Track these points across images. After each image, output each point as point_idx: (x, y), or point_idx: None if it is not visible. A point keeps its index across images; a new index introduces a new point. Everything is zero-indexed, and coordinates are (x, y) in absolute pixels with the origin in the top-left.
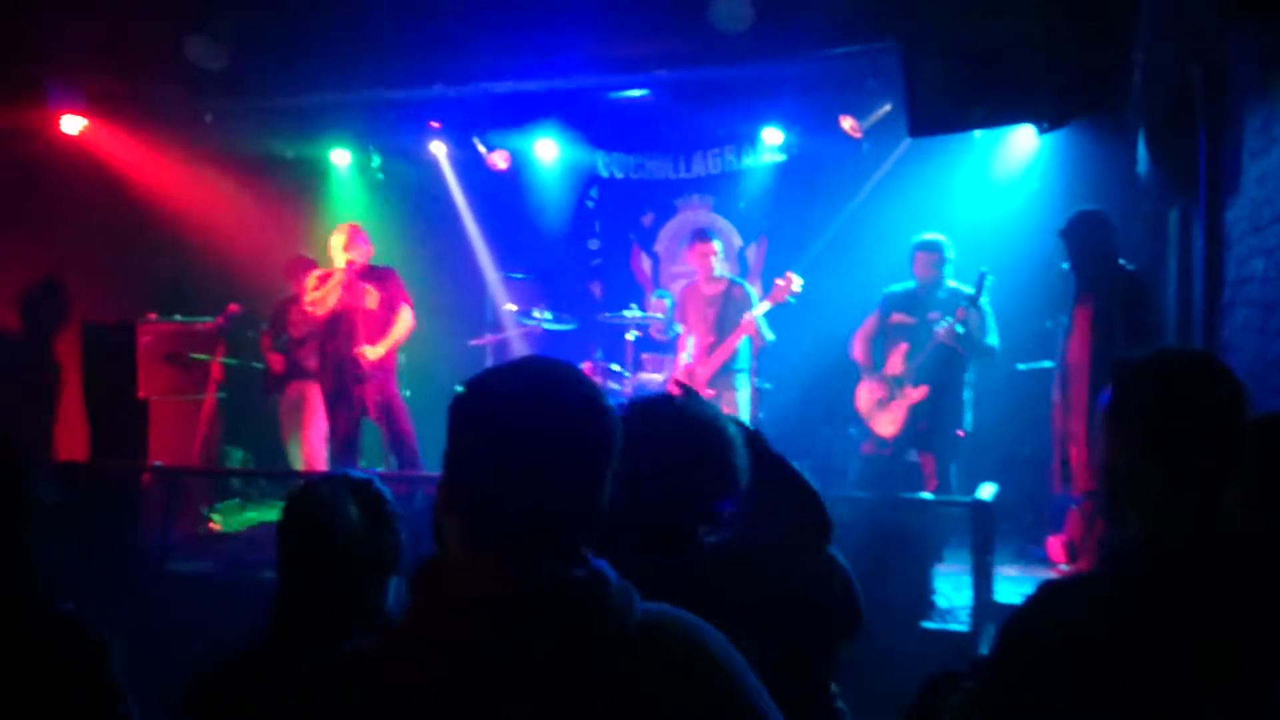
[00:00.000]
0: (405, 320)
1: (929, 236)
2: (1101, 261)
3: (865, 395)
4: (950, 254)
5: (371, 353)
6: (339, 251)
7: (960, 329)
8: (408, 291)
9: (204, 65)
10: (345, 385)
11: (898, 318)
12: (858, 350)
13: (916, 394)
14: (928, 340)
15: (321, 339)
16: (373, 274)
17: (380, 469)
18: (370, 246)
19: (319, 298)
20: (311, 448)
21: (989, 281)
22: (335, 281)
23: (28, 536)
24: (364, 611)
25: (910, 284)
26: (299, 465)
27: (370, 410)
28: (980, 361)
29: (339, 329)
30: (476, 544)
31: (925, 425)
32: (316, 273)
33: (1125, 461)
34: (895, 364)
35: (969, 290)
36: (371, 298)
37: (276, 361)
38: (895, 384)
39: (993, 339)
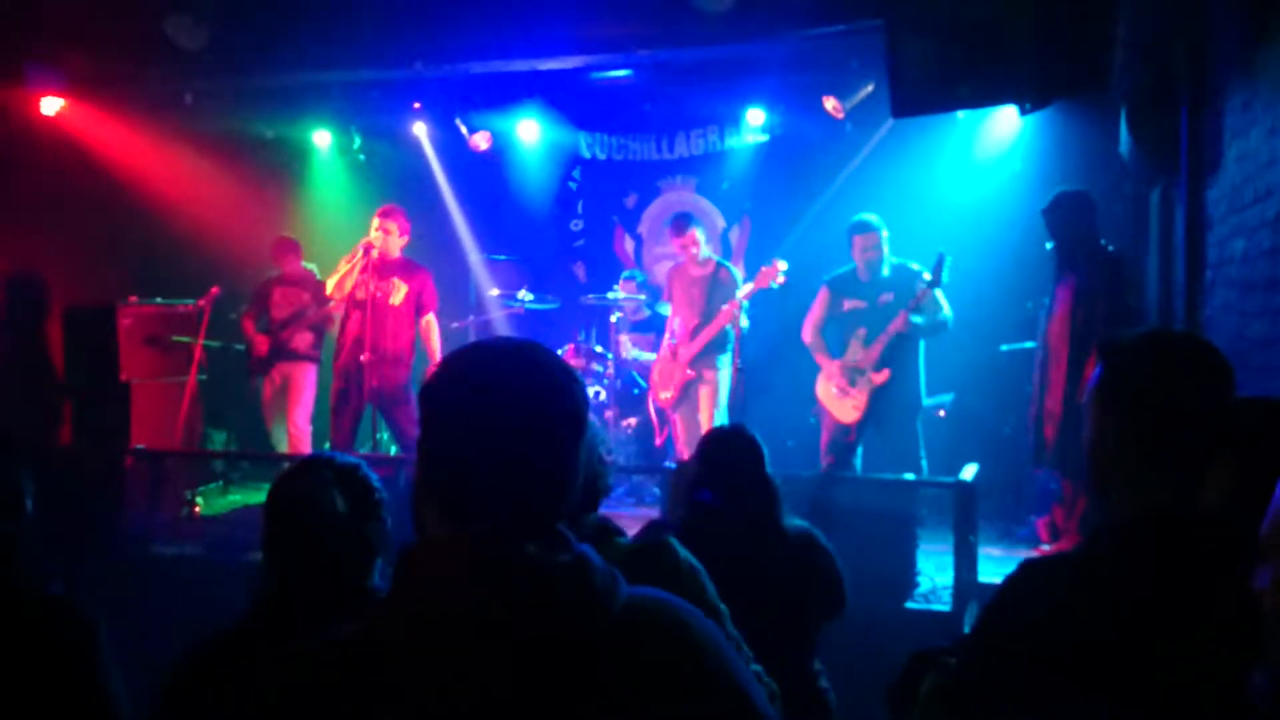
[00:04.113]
0: (435, 328)
1: (862, 218)
2: (1082, 242)
3: (824, 384)
4: (885, 232)
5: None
6: (374, 234)
7: (917, 319)
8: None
9: (184, 45)
10: (352, 373)
11: (850, 304)
12: (808, 339)
13: (879, 378)
14: (883, 323)
15: (343, 322)
16: (404, 269)
17: (365, 449)
18: (406, 236)
19: (337, 280)
20: (297, 429)
21: (948, 263)
22: (355, 265)
23: (11, 521)
24: (349, 595)
25: (850, 266)
26: (284, 447)
27: (365, 395)
28: (937, 336)
29: (353, 320)
30: (454, 528)
31: (886, 406)
32: (345, 257)
33: (1111, 441)
34: (854, 351)
35: (914, 265)
36: (398, 293)
37: (261, 343)
38: (856, 371)
39: (946, 314)
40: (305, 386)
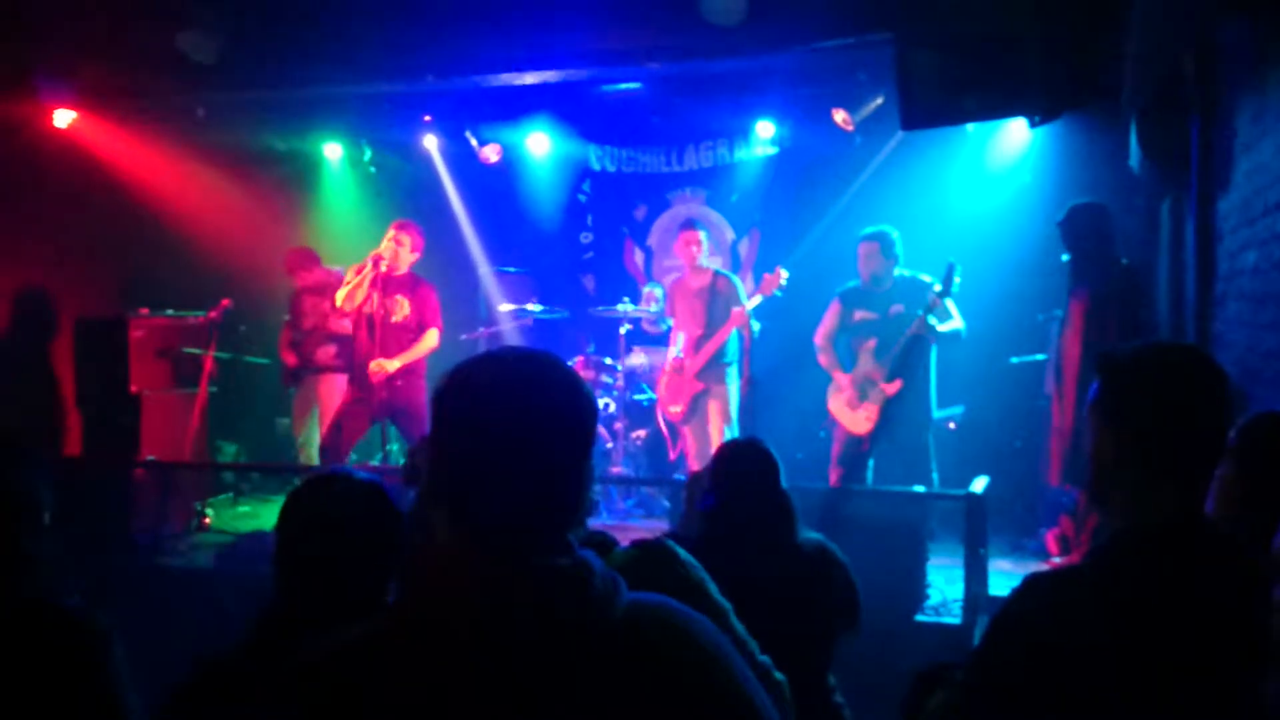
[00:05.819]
0: (429, 342)
1: (870, 229)
2: (1097, 255)
3: (835, 397)
4: (896, 243)
5: (390, 365)
6: (386, 245)
7: (934, 320)
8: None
9: (196, 58)
10: (361, 386)
11: (860, 314)
12: (821, 353)
13: (891, 389)
14: (893, 334)
15: (348, 337)
16: (409, 285)
17: (376, 461)
18: (418, 252)
19: (347, 292)
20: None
21: (958, 272)
22: (364, 278)
23: (29, 534)
24: (363, 611)
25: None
26: (314, 456)
27: (378, 411)
28: (949, 347)
29: (362, 333)
30: (461, 534)
31: (898, 418)
32: (354, 265)
33: (1111, 454)
34: (865, 362)
35: (924, 278)
36: (401, 310)
37: (289, 356)
38: (868, 383)
39: (959, 325)
40: (334, 399)
